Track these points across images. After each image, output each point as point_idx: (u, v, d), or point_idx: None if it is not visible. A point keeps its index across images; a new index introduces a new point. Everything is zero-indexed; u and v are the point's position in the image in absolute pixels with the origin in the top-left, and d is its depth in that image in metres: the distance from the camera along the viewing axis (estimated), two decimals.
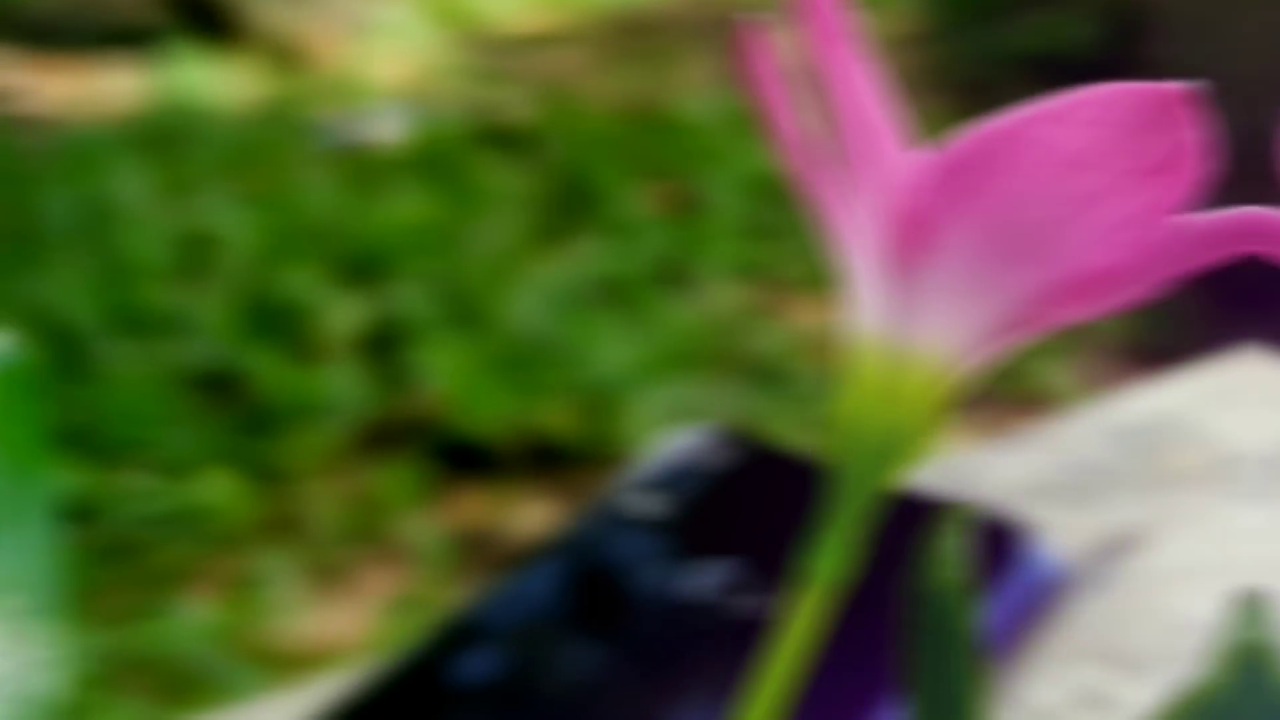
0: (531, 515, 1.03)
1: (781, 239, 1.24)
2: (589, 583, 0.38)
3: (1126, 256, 0.13)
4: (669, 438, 0.42)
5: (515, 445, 1.06)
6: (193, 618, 0.96)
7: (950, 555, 0.14)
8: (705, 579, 0.37)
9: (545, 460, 1.06)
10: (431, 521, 1.02)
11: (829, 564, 0.16)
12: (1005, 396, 1.05)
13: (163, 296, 1.21)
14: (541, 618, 0.37)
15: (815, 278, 1.20)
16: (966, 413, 1.08)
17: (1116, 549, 0.38)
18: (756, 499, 0.40)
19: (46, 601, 0.19)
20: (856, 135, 0.14)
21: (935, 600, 0.14)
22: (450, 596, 0.92)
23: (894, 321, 0.15)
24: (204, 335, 1.16)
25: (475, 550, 1.01)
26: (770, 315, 1.17)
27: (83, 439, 1.09)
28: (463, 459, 1.06)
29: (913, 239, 0.13)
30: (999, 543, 0.37)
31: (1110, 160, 0.12)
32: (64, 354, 1.16)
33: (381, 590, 0.99)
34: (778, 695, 0.16)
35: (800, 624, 0.16)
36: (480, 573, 0.97)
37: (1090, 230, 0.13)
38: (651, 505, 0.40)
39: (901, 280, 0.15)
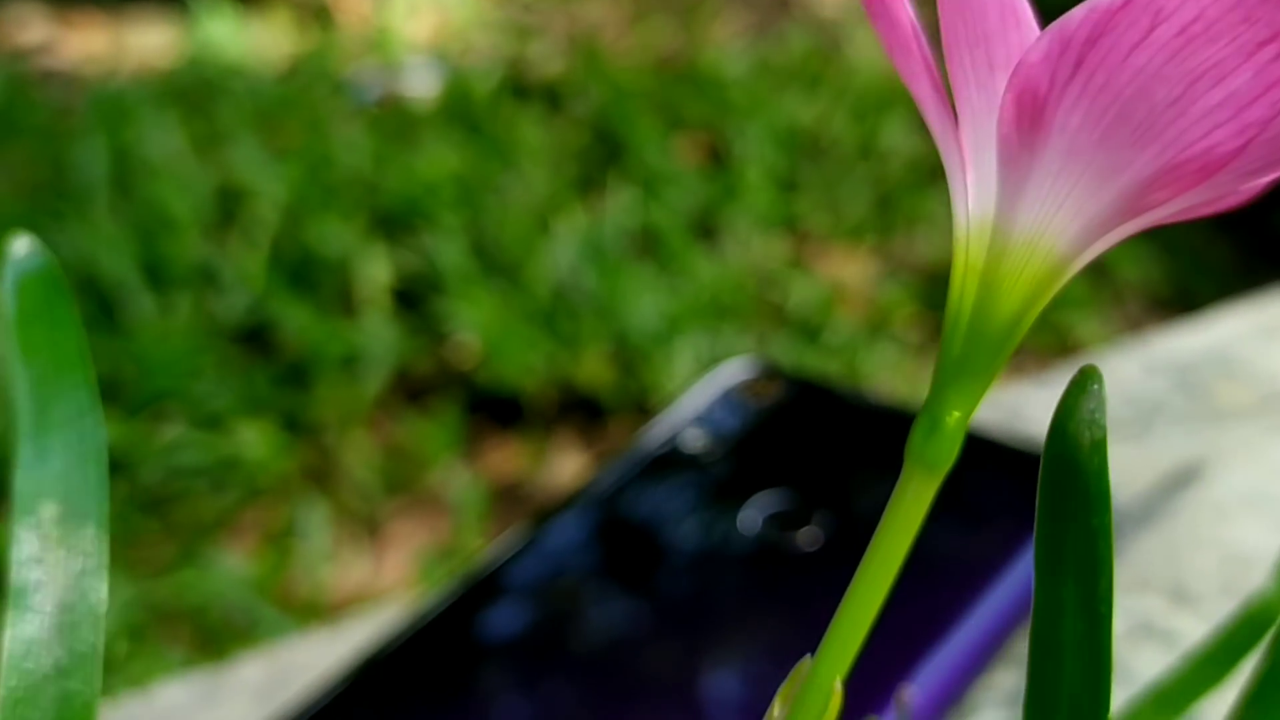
0: (565, 466, 1.03)
1: (813, 191, 1.23)
2: (631, 519, 0.37)
3: (1251, 139, 0.12)
4: (713, 372, 0.42)
5: (548, 397, 1.05)
6: (229, 568, 0.96)
7: (1085, 414, 0.13)
8: (753, 511, 0.36)
9: (578, 412, 1.05)
10: (465, 473, 1.02)
11: (939, 449, 0.15)
12: (1037, 347, 1.05)
13: (196, 250, 1.21)
14: (587, 555, 0.36)
15: (846, 230, 1.20)
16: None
17: (1172, 484, 0.37)
18: (800, 431, 0.40)
19: (90, 509, 0.18)
20: (973, 15, 0.14)
21: (1071, 458, 0.13)
22: (483, 547, 0.92)
23: (1005, 208, 0.15)
24: (238, 288, 1.16)
25: (509, 501, 1.01)
26: (802, 267, 1.16)
27: (117, 392, 1.09)
28: (496, 410, 1.06)
29: (1028, 119, 0.13)
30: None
31: (1235, 32, 0.12)
32: (98, 307, 1.16)
33: (416, 541, 0.99)
34: (879, 594, 0.16)
35: (908, 512, 0.16)
36: (513, 523, 0.97)
37: (1213, 109, 0.12)
38: (698, 439, 0.39)
39: (1015, 164, 0.14)
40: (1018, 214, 0.15)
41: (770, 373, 0.41)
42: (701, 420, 0.40)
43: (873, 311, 1.10)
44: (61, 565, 0.18)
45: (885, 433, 0.39)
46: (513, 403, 1.06)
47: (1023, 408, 0.41)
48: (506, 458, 1.04)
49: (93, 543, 0.18)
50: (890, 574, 0.16)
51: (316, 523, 0.98)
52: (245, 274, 1.17)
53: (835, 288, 1.13)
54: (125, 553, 0.99)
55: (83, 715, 0.17)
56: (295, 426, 1.07)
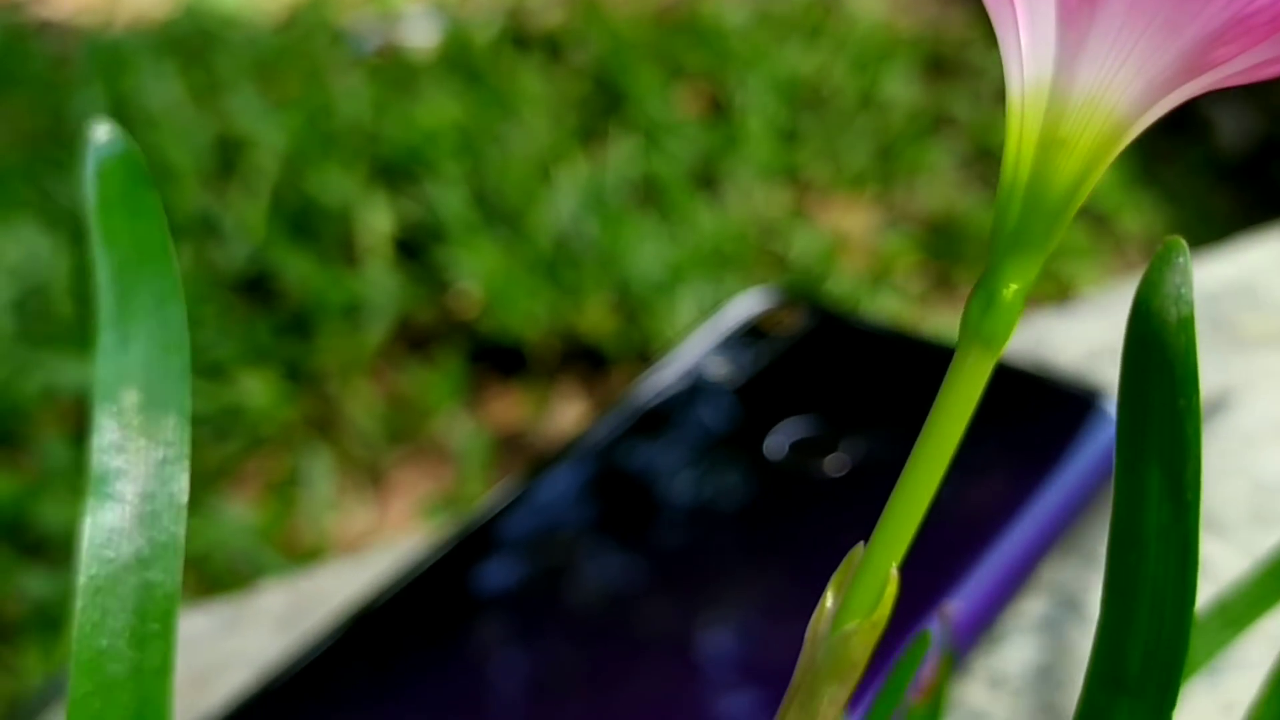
0: (567, 415, 1.02)
1: (814, 142, 1.23)
2: (656, 446, 0.37)
3: None
4: (734, 301, 0.42)
5: (551, 345, 1.05)
6: (233, 516, 0.96)
7: (1171, 289, 0.13)
8: (779, 438, 0.36)
9: (581, 360, 1.05)
10: (468, 421, 1.02)
11: (996, 324, 0.15)
12: (1038, 296, 1.05)
13: (196, 199, 1.20)
14: (613, 482, 0.36)
15: (848, 180, 1.19)
16: None
17: (1209, 418, 0.37)
18: (823, 359, 0.40)
19: (172, 398, 0.18)
20: None
21: (1156, 336, 0.13)
22: (491, 491, 0.92)
23: (1064, 69, 0.14)
24: (238, 238, 1.16)
25: (512, 450, 1.01)
26: (804, 217, 1.16)
27: None
28: (499, 359, 1.06)
29: None
30: (1070, 405, 0.36)
31: None
32: None
33: (419, 489, 0.99)
34: (935, 477, 0.16)
35: (964, 391, 0.15)
36: (516, 472, 0.97)
37: None
38: (720, 366, 0.39)
39: (1075, 21, 0.14)
40: (1077, 75, 0.15)
41: (791, 301, 0.41)
42: (723, 348, 0.40)
43: (874, 261, 1.10)
44: (142, 454, 0.17)
45: (907, 360, 0.39)
46: (515, 352, 1.06)
47: (1046, 337, 0.41)
48: (509, 406, 1.04)
49: (174, 432, 0.18)
50: (946, 456, 0.16)
51: (320, 471, 0.98)
52: (245, 223, 1.17)
53: (837, 237, 1.12)
54: None
55: (164, 606, 0.17)
56: (297, 375, 1.06)
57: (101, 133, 0.18)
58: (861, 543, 0.16)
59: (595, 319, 1.06)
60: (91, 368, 0.17)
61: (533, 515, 0.35)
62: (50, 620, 0.92)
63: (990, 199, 1.16)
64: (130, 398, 0.18)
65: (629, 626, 0.32)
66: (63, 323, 1.11)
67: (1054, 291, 1.06)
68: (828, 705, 0.16)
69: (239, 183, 1.21)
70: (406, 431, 1.03)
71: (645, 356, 1.04)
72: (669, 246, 1.09)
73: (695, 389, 0.39)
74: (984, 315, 0.15)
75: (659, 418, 0.38)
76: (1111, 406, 0.35)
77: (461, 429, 1.01)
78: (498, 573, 0.34)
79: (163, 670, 0.17)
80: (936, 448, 0.15)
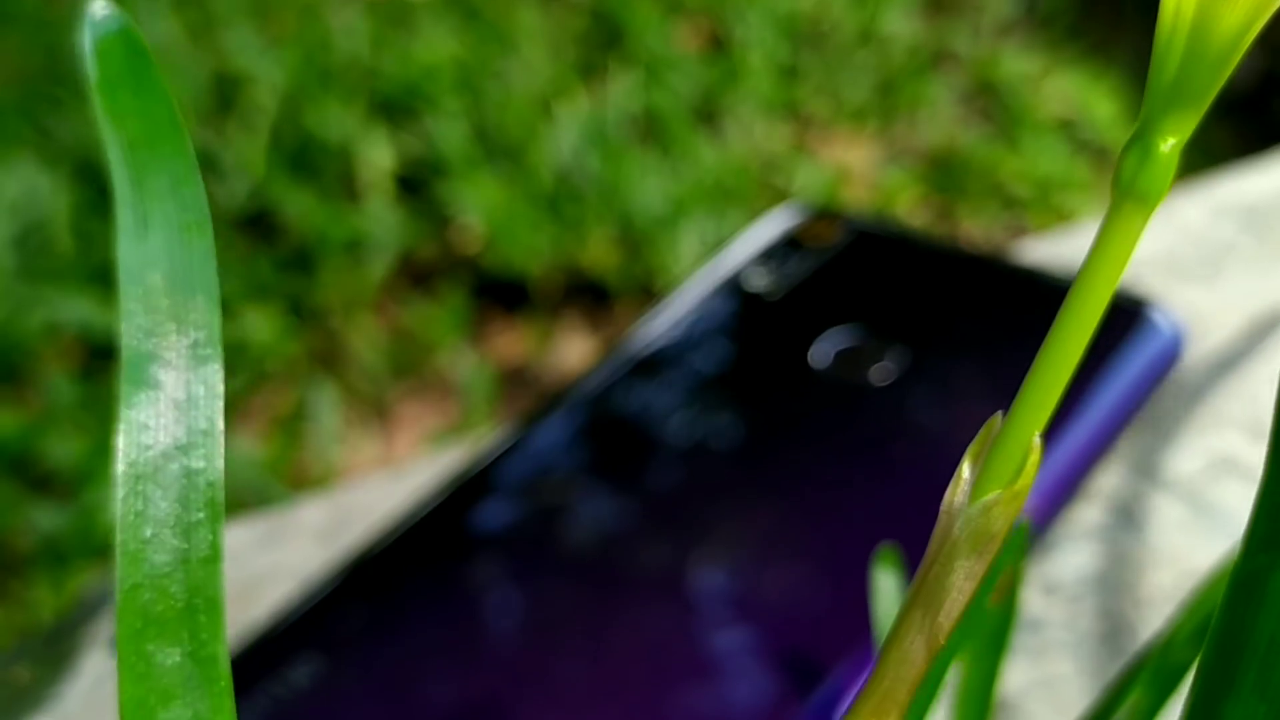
0: (570, 350, 1.01)
1: (814, 77, 1.21)
2: (697, 355, 0.36)
3: None
4: (766, 215, 0.40)
5: (554, 280, 1.04)
6: (239, 450, 0.95)
7: None
8: (823, 347, 0.35)
9: (584, 295, 1.04)
10: (472, 355, 1.00)
11: (1152, 179, 0.14)
12: (1039, 230, 1.03)
13: (195, 138, 1.18)
14: (656, 389, 0.35)
15: (848, 115, 1.17)
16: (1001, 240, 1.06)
17: (1246, 324, 0.36)
18: (862, 270, 0.38)
19: (198, 280, 0.17)
20: None
21: None
22: (490, 429, 0.91)
23: None
24: (238, 174, 1.14)
25: (516, 384, 1.00)
26: (805, 152, 1.14)
27: None
28: (502, 294, 1.04)
29: None
30: (1120, 314, 0.35)
31: None
32: (97, 194, 1.13)
33: (425, 423, 0.98)
34: (1084, 336, 0.14)
35: (1117, 248, 0.14)
36: (521, 406, 0.95)
37: None
38: (758, 278, 0.38)
39: None
40: None
41: (824, 215, 0.40)
42: (760, 261, 0.38)
43: (877, 195, 1.09)
44: (173, 338, 0.16)
45: (946, 270, 0.38)
46: (518, 286, 1.04)
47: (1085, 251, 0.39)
48: (513, 341, 1.03)
49: (204, 314, 0.16)
50: (1095, 317, 0.14)
51: (325, 404, 0.97)
52: (245, 160, 1.15)
53: (839, 172, 1.11)
54: None
55: (208, 494, 0.16)
56: (301, 311, 1.05)
57: (98, 8, 0.16)
58: (1000, 411, 0.15)
59: (598, 253, 1.04)
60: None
61: (575, 428, 0.34)
62: (59, 554, 0.91)
63: (991, 133, 1.14)
64: (155, 281, 0.17)
65: (684, 532, 0.31)
66: (64, 259, 1.09)
67: (1054, 224, 1.05)
68: (963, 580, 0.15)
69: (237, 120, 1.19)
70: (411, 366, 1.01)
71: (648, 290, 1.03)
72: (671, 181, 1.07)
73: (734, 300, 0.37)
74: (1139, 170, 0.14)
75: (699, 328, 0.37)
76: (1160, 315, 0.34)
77: (465, 363, 1.00)
78: (552, 475, 0.33)
79: (211, 559, 0.16)
80: (1086, 308, 0.14)
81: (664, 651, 0.28)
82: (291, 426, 0.96)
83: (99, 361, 1.03)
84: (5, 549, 0.92)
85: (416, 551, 0.31)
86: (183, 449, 0.16)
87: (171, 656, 0.16)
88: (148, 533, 0.16)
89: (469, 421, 0.96)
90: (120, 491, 0.16)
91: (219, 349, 0.16)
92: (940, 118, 1.14)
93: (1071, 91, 1.16)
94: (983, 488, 0.15)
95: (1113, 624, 0.31)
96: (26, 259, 1.08)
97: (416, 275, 1.07)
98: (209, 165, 1.15)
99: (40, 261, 1.08)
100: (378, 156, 1.13)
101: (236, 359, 1.01)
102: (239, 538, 0.36)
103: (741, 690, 0.28)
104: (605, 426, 0.34)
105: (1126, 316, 0.34)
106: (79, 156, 1.15)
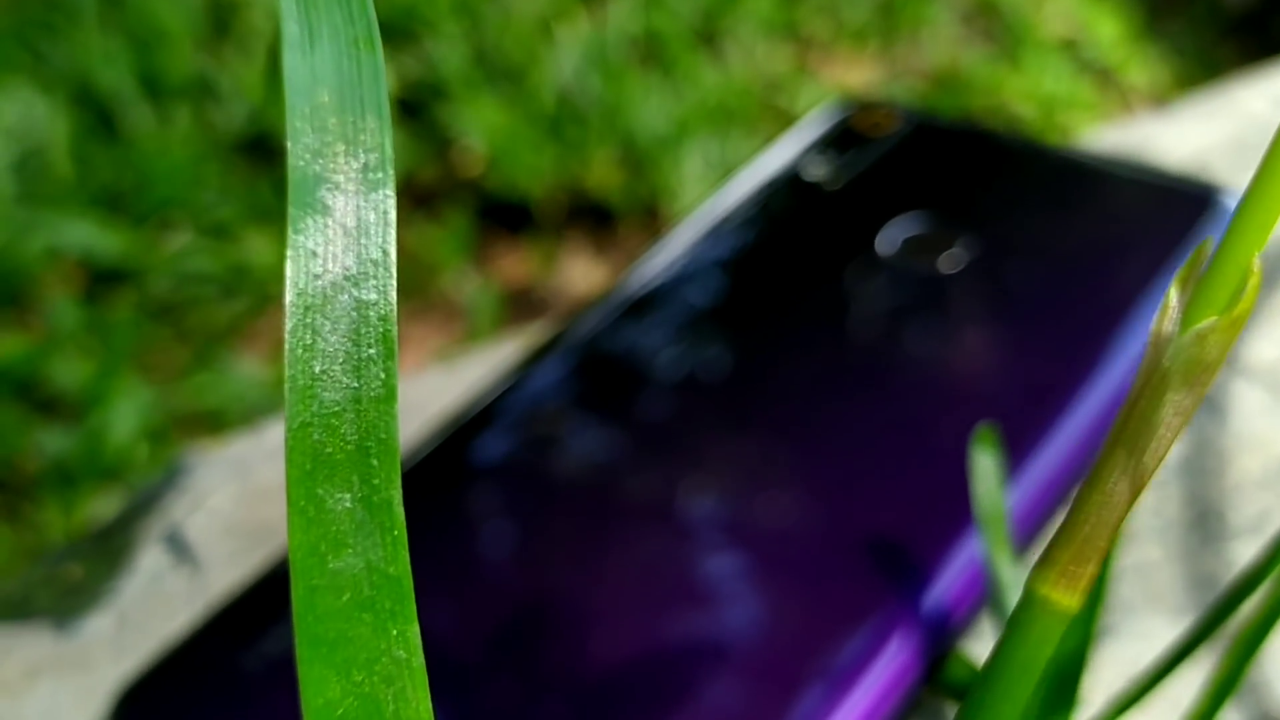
0: (574, 270, 1.00)
1: None
2: (761, 244, 0.35)
3: None
4: (816, 110, 0.39)
5: (557, 201, 1.02)
6: (246, 372, 0.94)
7: None
8: (890, 234, 0.34)
9: (588, 216, 1.02)
10: (477, 277, 0.99)
11: None
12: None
13: (191, 61, 1.15)
14: (724, 277, 0.34)
15: (849, 36, 1.16)
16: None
17: None
18: (921, 159, 0.37)
19: (369, 98, 0.15)
20: None
21: None
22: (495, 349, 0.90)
23: None
24: (236, 98, 1.11)
25: (521, 305, 0.99)
26: (807, 73, 1.12)
27: (121, 202, 1.05)
28: (506, 216, 1.03)
29: None
30: (1185, 204, 0.34)
31: None
32: (96, 119, 1.11)
33: (431, 343, 0.97)
34: None
35: None
36: (526, 326, 0.94)
37: None
38: (816, 168, 0.37)
39: None
40: None
41: (876, 107, 0.39)
42: (815, 152, 0.37)
43: None
44: (343, 160, 0.15)
45: (1005, 158, 0.37)
46: (521, 208, 1.03)
47: (1150, 142, 0.38)
48: (517, 262, 1.01)
49: (375, 135, 0.15)
50: None
51: None
52: (242, 85, 1.12)
53: (840, 93, 1.09)
54: (139, 358, 0.96)
55: (380, 329, 0.15)
56: None
57: None
58: (1212, 235, 0.14)
59: (601, 175, 1.03)
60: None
61: (644, 318, 0.33)
62: (68, 476, 0.90)
63: (993, 53, 1.13)
64: (323, 99, 0.15)
65: (768, 423, 0.30)
66: (63, 184, 1.07)
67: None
68: (1173, 416, 0.13)
69: (234, 44, 1.17)
70: (415, 287, 1.00)
71: (652, 211, 1.01)
72: (673, 102, 1.06)
73: (793, 191, 0.36)
74: None
75: (760, 218, 0.35)
76: (1230, 200, 0.33)
77: (470, 284, 0.98)
78: (626, 367, 0.31)
79: (385, 399, 0.15)
80: None
81: (763, 544, 0.27)
82: None
83: (102, 285, 1.02)
84: (13, 472, 0.91)
85: (478, 448, 0.30)
86: (353, 280, 0.15)
87: (342, 501, 0.15)
88: (317, 368, 0.15)
89: (475, 342, 0.95)
90: (289, 323, 0.15)
91: (391, 173, 0.15)
92: (942, 38, 1.13)
93: (1074, 11, 1.14)
94: (1194, 314, 0.14)
95: (1200, 510, 0.30)
96: (26, 184, 1.06)
97: (419, 197, 1.06)
98: (206, 90, 1.13)
99: (40, 187, 1.06)
100: None
101: (240, 282, 1.00)
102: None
103: (843, 581, 0.27)
104: (677, 315, 0.33)
105: (1198, 204, 0.33)
106: (75, 82, 1.13)
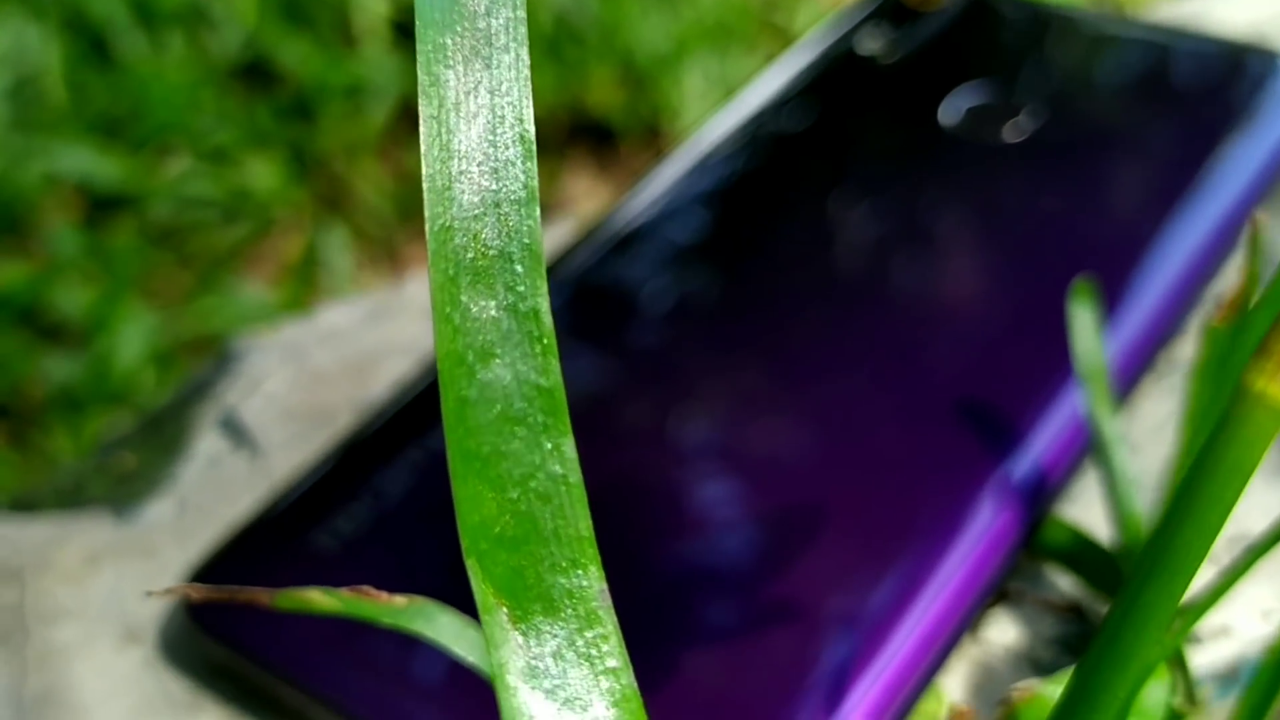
0: (577, 189, 0.99)
1: None
2: (824, 118, 0.34)
3: None
4: None
5: (558, 121, 1.01)
6: (252, 295, 0.93)
7: None
8: (954, 103, 0.33)
9: (589, 136, 1.01)
10: None
11: None
12: None
13: None
14: (790, 151, 0.33)
15: None
16: None
17: None
18: (978, 31, 0.36)
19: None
20: None
21: None
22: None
23: None
24: (230, 24, 1.09)
25: None
26: None
27: (118, 128, 1.03)
28: None
29: None
30: (1246, 70, 0.33)
31: None
32: (89, 46, 1.09)
33: None
34: None
35: None
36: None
37: None
38: (873, 40, 0.36)
39: None
40: None
41: None
42: (869, 26, 0.36)
43: None
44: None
45: (1058, 29, 0.36)
46: None
47: (1204, 13, 0.37)
48: None
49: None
50: None
51: (337, 247, 0.94)
52: (236, 10, 1.10)
53: (839, 9, 1.08)
54: (141, 284, 0.94)
55: (517, 130, 0.14)
56: (303, 158, 1.01)
57: None
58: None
59: (601, 94, 1.01)
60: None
61: (718, 183, 0.32)
62: (75, 402, 0.89)
63: None
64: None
65: (858, 285, 0.29)
66: (58, 111, 1.05)
67: None
68: None
69: None
70: (417, 208, 0.98)
71: (654, 129, 1.00)
72: (671, 20, 1.04)
73: (850, 64, 0.35)
74: None
75: (819, 91, 0.34)
76: None
77: None
78: (704, 235, 0.31)
79: (526, 202, 0.14)
80: None
81: (863, 407, 0.27)
82: (303, 271, 0.94)
83: (101, 212, 1.00)
84: (20, 399, 0.90)
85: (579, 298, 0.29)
86: (489, 87, 0.14)
87: (487, 309, 0.14)
88: (455, 168, 0.14)
89: None
90: (424, 128, 0.14)
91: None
92: None
93: None
94: None
95: None
96: (21, 111, 1.04)
97: (418, 119, 1.04)
98: (199, 16, 1.10)
99: (35, 113, 1.04)
100: (373, 1, 1.08)
101: (241, 206, 0.98)
102: (342, 317, 0.34)
103: (942, 445, 0.26)
104: (751, 179, 0.32)
105: (1259, 68, 0.32)
106: (68, 8, 1.10)
